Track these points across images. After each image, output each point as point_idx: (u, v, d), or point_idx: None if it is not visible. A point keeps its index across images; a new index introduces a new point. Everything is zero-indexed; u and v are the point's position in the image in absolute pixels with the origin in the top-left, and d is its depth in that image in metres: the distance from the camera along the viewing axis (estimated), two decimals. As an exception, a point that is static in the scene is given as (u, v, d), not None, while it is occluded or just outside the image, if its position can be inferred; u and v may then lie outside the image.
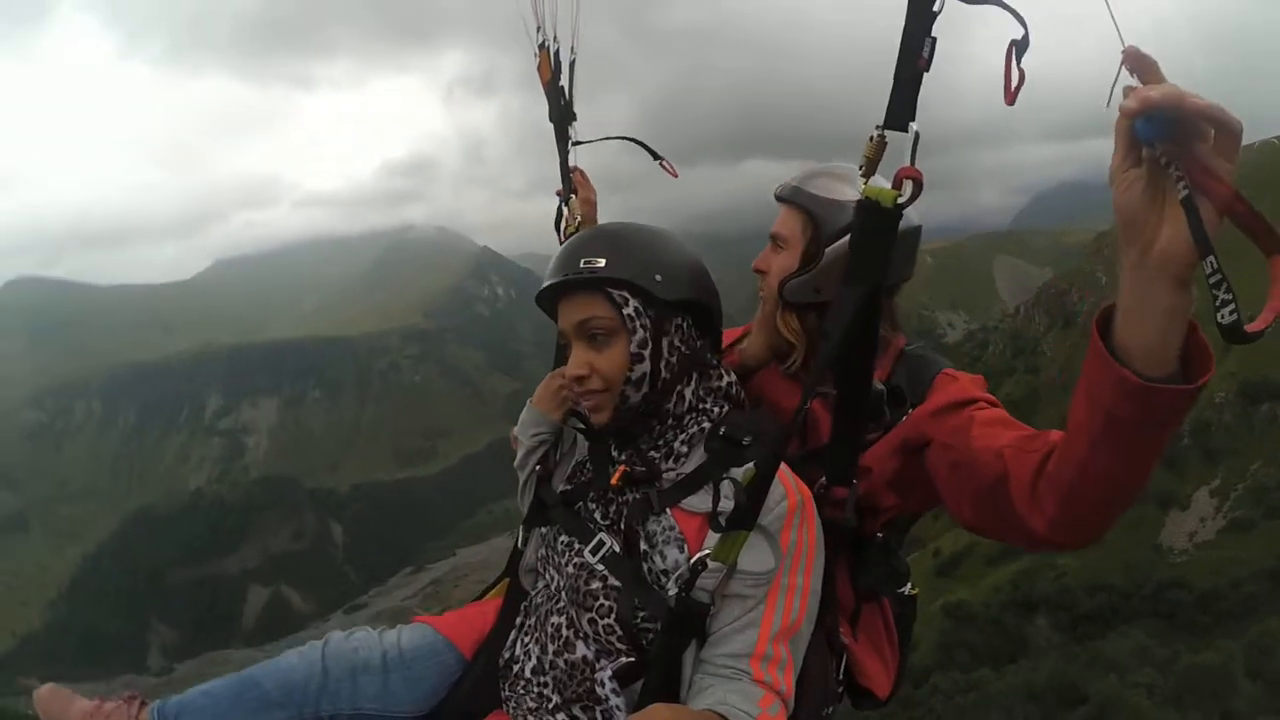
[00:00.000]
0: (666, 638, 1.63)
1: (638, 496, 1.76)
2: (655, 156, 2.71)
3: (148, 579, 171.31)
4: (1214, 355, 1.24)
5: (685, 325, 1.79)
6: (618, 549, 1.74)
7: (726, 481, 1.64)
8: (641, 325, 1.72)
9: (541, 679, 1.82)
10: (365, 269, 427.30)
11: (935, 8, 1.38)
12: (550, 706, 1.78)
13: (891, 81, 1.43)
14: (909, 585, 2.13)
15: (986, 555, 60.76)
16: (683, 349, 1.78)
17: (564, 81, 2.68)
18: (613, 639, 1.70)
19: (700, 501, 1.70)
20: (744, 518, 1.56)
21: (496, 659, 1.97)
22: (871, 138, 1.49)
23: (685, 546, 1.68)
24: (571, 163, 2.78)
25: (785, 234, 2.05)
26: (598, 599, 1.72)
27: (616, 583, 1.71)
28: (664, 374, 1.75)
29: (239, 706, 1.84)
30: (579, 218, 2.69)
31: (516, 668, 1.90)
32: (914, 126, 1.42)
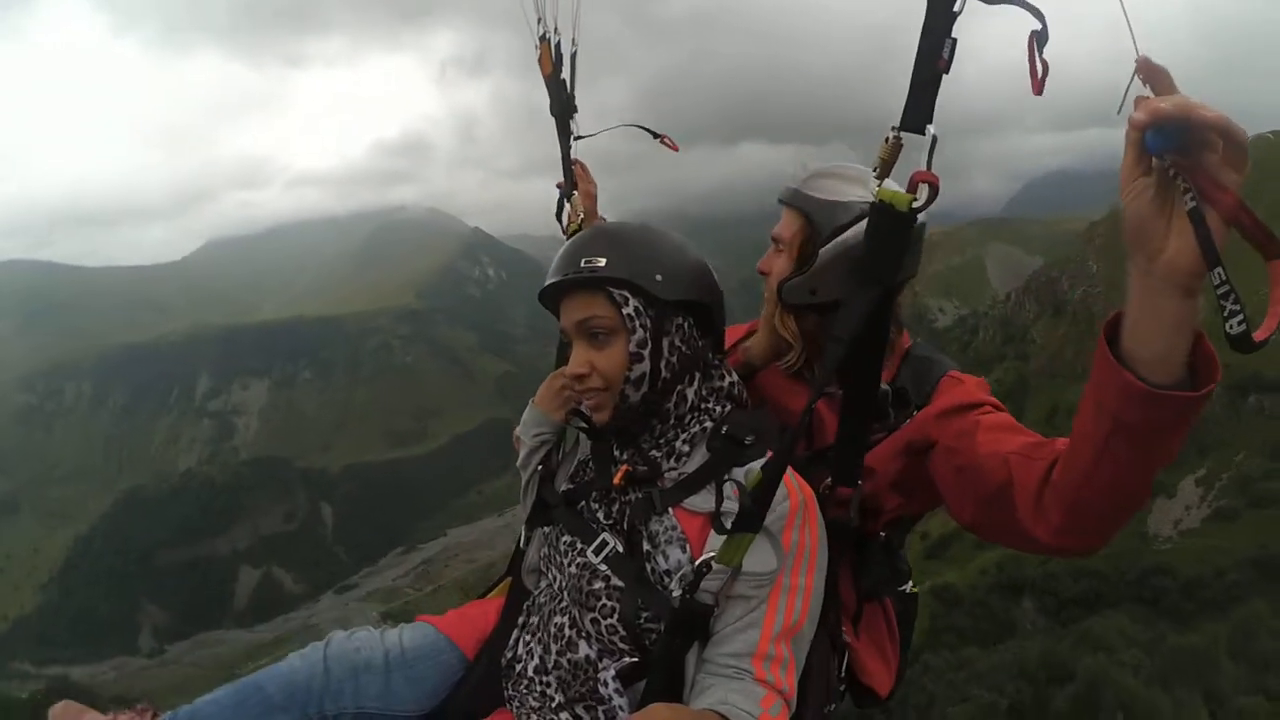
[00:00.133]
0: (670, 638, 1.63)
1: (640, 496, 1.77)
2: (655, 136, 2.71)
3: (139, 560, 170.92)
4: (1220, 363, 1.24)
5: (686, 325, 1.79)
6: (620, 549, 1.74)
7: (731, 481, 1.66)
8: (641, 325, 1.72)
9: (544, 678, 1.81)
10: (356, 249, 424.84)
11: (956, 8, 1.36)
12: (553, 706, 1.78)
13: (909, 79, 1.40)
14: (910, 584, 2.15)
15: (974, 539, 61.11)
16: (683, 349, 1.78)
17: (565, 74, 2.65)
18: (615, 639, 1.71)
19: (703, 501, 1.71)
20: (749, 521, 1.55)
21: (499, 658, 1.96)
22: (887, 139, 1.46)
23: (687, 546, 1.68)
24: (572, 156, 2.79)
25: (784, 236, 2.06)
26: (600, 599, 1.72)
27: (619, 583, 1.71)
28: (664, 373, 1.75)
29: (244, 712, 1.83)
30: (582, 214, 2.70)
31: (519, 667, 1.89)
32: (931, 129, 1.40)
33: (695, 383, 1.82)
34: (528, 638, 1.92)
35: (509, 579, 2.23)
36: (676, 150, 2.73)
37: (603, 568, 1.74)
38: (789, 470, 1.66)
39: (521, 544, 2.14)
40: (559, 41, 2.64)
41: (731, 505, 1.63)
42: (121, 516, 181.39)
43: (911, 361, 2.03)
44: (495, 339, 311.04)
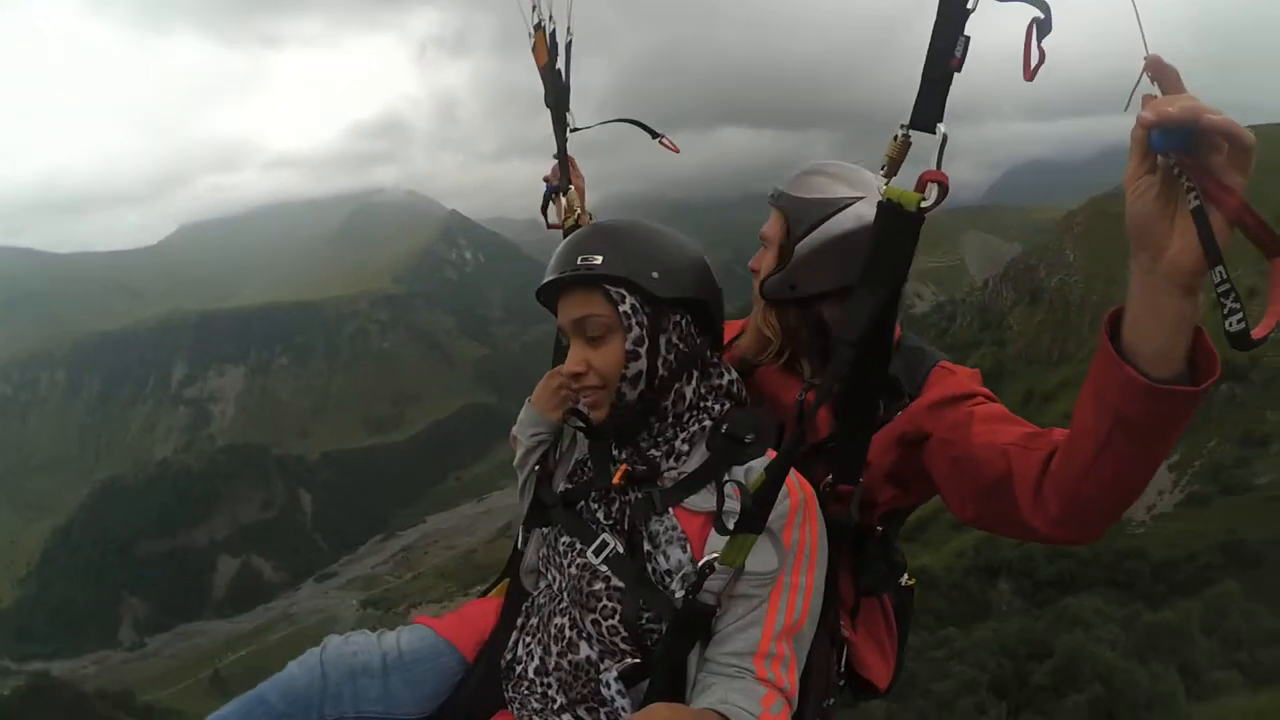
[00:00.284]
0: (672, 639, 1.62)
1: (640, 496, 1.75)
2: (654, 135, 2.65)
3: (117, 552, 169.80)
4: (1219, 359, 1.25)
5: (684, 322, 1.78)
6: (621, 550, 1.73)
7: (732, 481, 1.65)
8: (638, 322, 1.71)
9: (545, 680, 1.81)
10: (334, 232, 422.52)
11: (969, 5, 1.34)
12: (555, 708, 1.77)
13: (919, 76, 1.40)
14: (906, 577, 2.15)
15: (951, 521, 62.02)
16: (681, 346, 1.77)
17: (560, 65, 2.57)
18: (616, 640, 1.70)
19: (703, 501, 1.70)
20: (752, 522, 1.55)
21: (498, 660, 1.95)
22: (896, 137, 1.45)
23: (688, 546, 1.68)
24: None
25: (768, 235, 2.09)
26: (601, 600, 1.71)
27: (620, 583, 1.70)
28: (661, 371, 1.74)
29: None
30: (579, 210, 2.63)
31: (519, 669, 1.88)
32: (941, 128, 1.39)
33: (694, 381, 1.81)
34: (527, 639, 1.91)
35: (507, 580, 2.21)
36: (677, 152, 2.68)
37: (603, 569, 1.73)
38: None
39: (519, 545, 2.12)
40: (554, 30, 2.54)
41: (733, 505, 1.61)
42: (99, 507, 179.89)
43: (903, 352, 2.00)
44: (473, 322, 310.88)
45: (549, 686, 1.80)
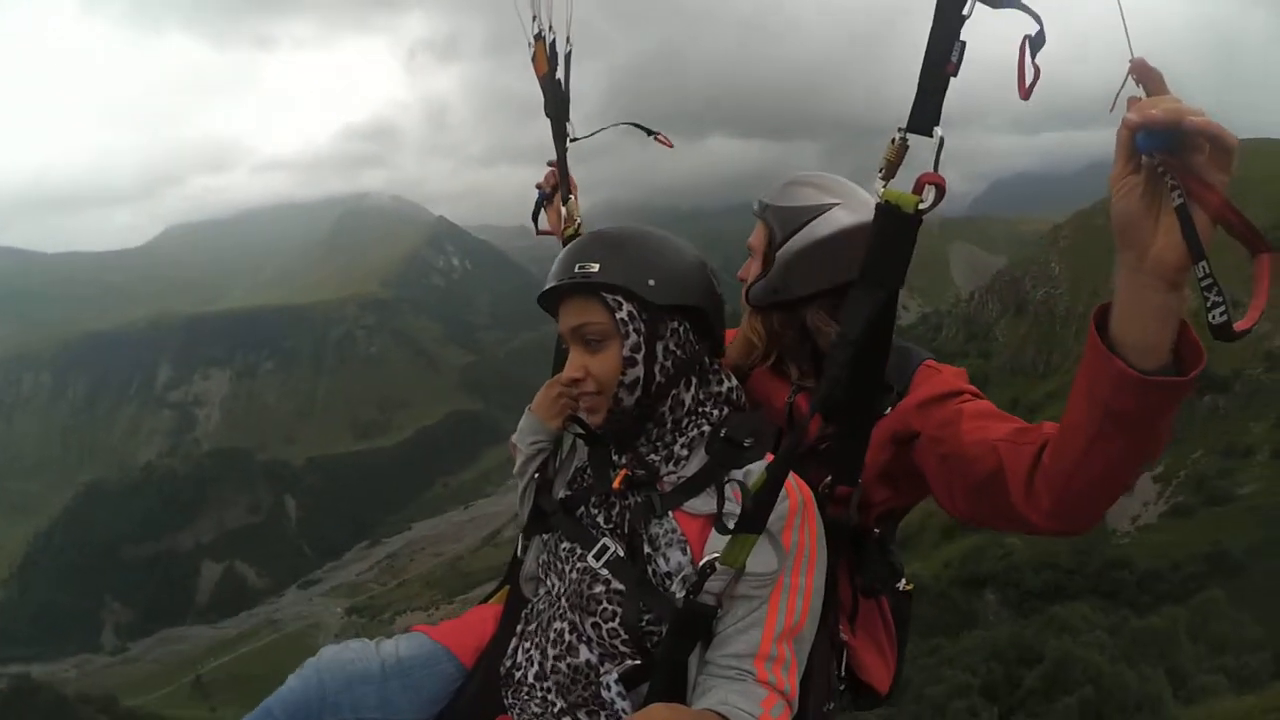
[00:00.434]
0: (673, 640, 1.63)
1: (639, 500, 1.76)
2: (650, 133, 2.66)
3: (101, 555, 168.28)
4: (1204, 350, 1.28)
5: (682, 329, 1.79)
6: (621, 553, 1.74)
7: (732, 483, 1.66)
8: (635, 330, 1.73)
9: (545, 684, 1.81)
10: (322, 236, 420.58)
11: (965, 11, 1.36)
12: (555, 711, 1.77)
13: (917, 83, 1.41)
14: (904, 581, 2.15)
15: (938, 531, 62.54)
16: (678, 353, 1.78)
17: (560, 74, 2.57)
18: (617, 643, 1.71)
19: (702, 504, 1.71)
20: (753, 522, 1.56)
21: (498, 667, 1.95)
22: (894, 140, 1.47)
23: (688, 549, 1.68)
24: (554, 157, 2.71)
25: (753, 244, 2.13)
26: (601, 603, 1.72)
27: (620, 586, 1.71)
28: (659, 378, 1.76)
29: None
30: (579, 220, 2.62)
31: (519, 674, 1.88)
32: (939, 131, 1.41)
33: (693, 387, 1.82)
34: (527, 645, 1.91)
35: (506, 587, 2.21)
36: (671, 146, 2.68)
37: (604, 572, 1.74)
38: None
39: (519, 552, 2.11)
40: (554, 40, 2.54)
41: (732, 507, 1.63)
42: (82, 510, 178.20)
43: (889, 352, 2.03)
44: (460, 329, 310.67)
45: (548, 691, 1.80)
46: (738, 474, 1.68)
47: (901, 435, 1.85)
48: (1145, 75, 1.19)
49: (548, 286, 1.81)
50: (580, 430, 1.94)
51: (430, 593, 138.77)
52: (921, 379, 1.94)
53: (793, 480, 1.66)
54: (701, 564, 1.60)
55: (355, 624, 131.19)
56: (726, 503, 1.66)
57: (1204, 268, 1.16)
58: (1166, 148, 1.16)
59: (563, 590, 1.83)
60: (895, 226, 1.50)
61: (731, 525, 1.58)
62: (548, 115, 2.59)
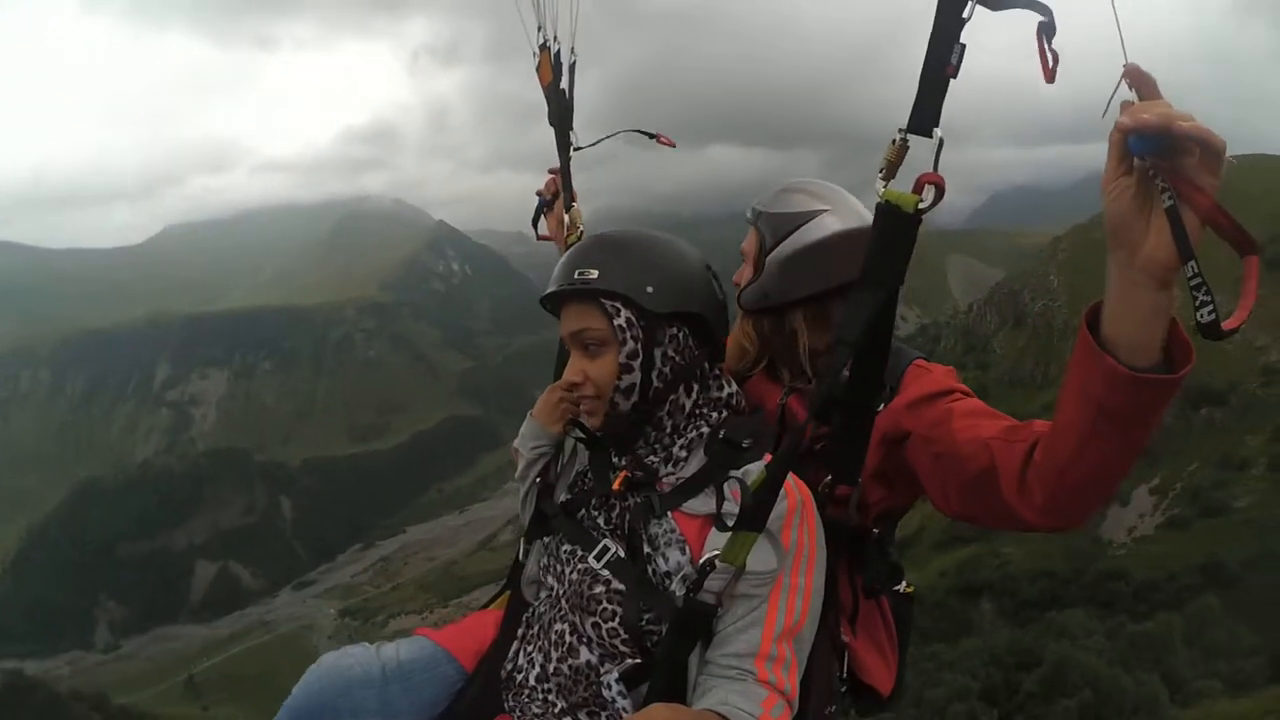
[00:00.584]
0: (673, 639, 1.64)
1: (639, 500, 1.78)
2: (651, 136, 2.69)
3: (95, 552, 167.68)
4: (1194, 348, 1.31)
5: (681, 336, 1.80)
6: (622, 554, 1.75)
7: (732, 481, 1.67)
8: (632, 336, 1.74)
9: (546, 686, 1.82)
10: (322, 238, 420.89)
11: (965, 14, 1.38)
12: (556, 712, 1.78)
13: (918, 84, 1.42)
14: (905, 583, 2.18)
15: (934, 541, 62.80)
16: (676, 359, 1.79)
17: (564, 84, 2.62)
18: (617, 642, 1.71)
19: (701, 504, 1.72)
20: (753, 520, 1.57)
21: (498, 670, 1.96)
22: (894, 141, 1.48)
23: (687, 548, 1.70)
24: (554, 165, 2.75)
25: (746, 249, 2.17)
26: (601, 603, 1.72)
27: (621, 586, 1.72)
28: (656, 383, 1.76)
29: None
30: (581, 227, 2.65)
31: (520, 677, 1.89)
32: (939, 132, 1.42)
33: (693, 393, 1.83)
34: (528, 648, 1.92)
35: (508, 592, 2.22)
36: (674, 146, 2.73)
37: (604, 572, 1.74)
38: None
39: (520, 556, 2.12)
40: (559, 50, 2.58)
41: (731, 506, 1.64)
42: (78, 507, 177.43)
43: None
44: (459, 334, 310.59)
45: (549, 692, 1.81)
46: (736, 474, 1.68)
47: (893, 435, 1.86)
48: (1139, 80, 1.21)
49: (548, 291, 1.82)
50: (581, 434, 1.97)
51: (424, 596, 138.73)
52: (912, 378, 1.94)
53: (791, 480, 1.67)
54: (701, 561, 1.61)
55: (349, 626, 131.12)
56: (725, 502, 1.66)
57: (1193, 267, 1.18)
58: (1157, 151, 1.19)
59: (563, 592, 1.83)
60: (895, 226, 1.51)
61: (731, 524, 1.59)
62: (552, 124, 2.61)
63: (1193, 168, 1.18)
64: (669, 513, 1.74)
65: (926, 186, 1.47)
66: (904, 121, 1.44)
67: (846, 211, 2.03)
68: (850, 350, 1.56)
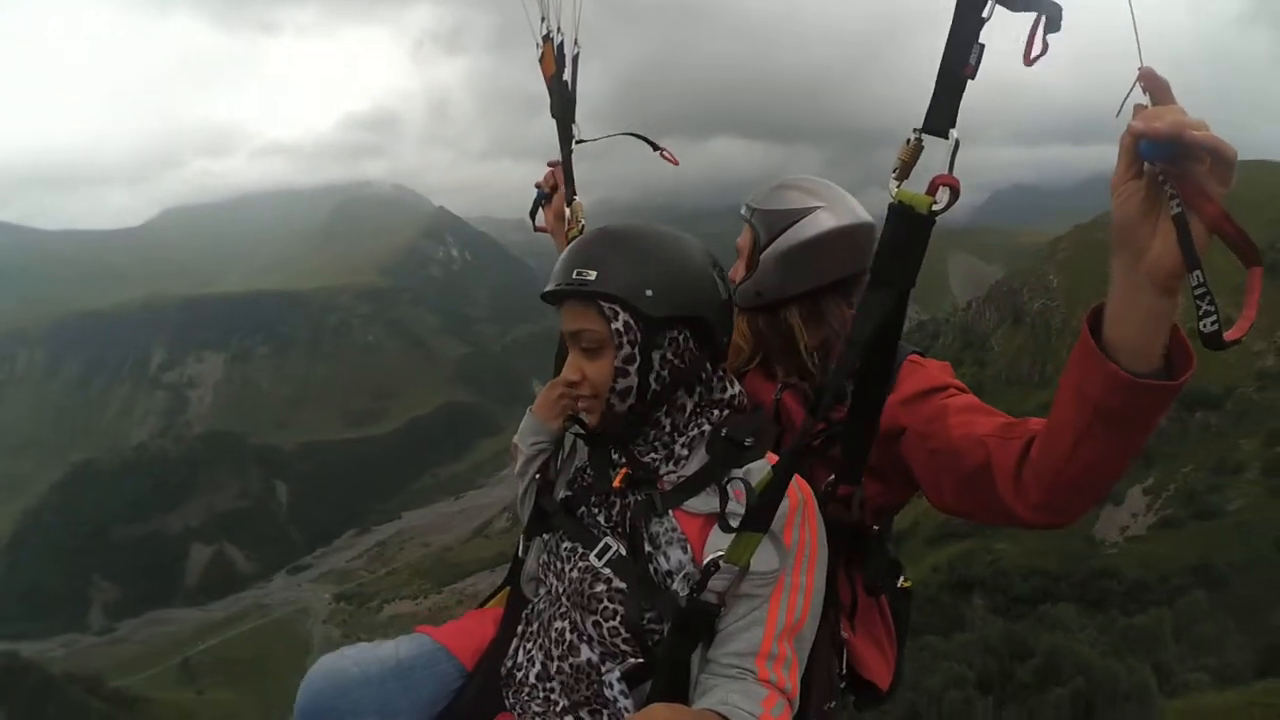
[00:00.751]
0: (674, 639, 1.63)
1: (640, 498, 1.76)
2: (655, 148, 2.66)
3: (90, 535, 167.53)
4: (1195, 355, 1.31)
5: (681, 339, 1.76)
6: (623, 552, 1.74)
7: (736, 481, 1.66)
8: (629, 340, 1.71)
9: (547, 684, 1.81)
10: (321, 223, 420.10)
11: (984, 14, 1.36)
12: (557, 710, 1.78)
13: (934, 84, 1.40)
14: (903, 579, 2.18)
15: (927, 537, 63.22)
16: (676, 362, 1.76)
17: (567, 75, 2.59)
18: (618, 641, 1.70)
19: (702, 503, 1.71)
20: (758, 520, 1.56)
21: (498, 668, 1.96)
22: (909, 140, 1.46)
23: (688, 547, 1.68)
24: (552, 159, 2.74)
25: (741, 246, 2.18)
26: (602, 601, 1.71)
27: (622, 585, 1.71)
28: (654, 386, 1.74)
29: None
30: (582, 222, 2.62)
31: (520, 675, 1.89)
32: (954, 133, 1.40)
33: (694, 394, 1.82)
34: (528, 645, 1.91)
35: (507, 589, 2.21)
36: (676, 164, 2.70)
37: (605, 571, 1.73)
38: None
39: (520, 553, 2.10)
40: (562, 42, 2.56)
41: (735, 506, 1.63)
42: (72, 489, 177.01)
43: None
44: (457, 321, 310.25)
45: (551, 691, 1.80)
46: (738, 473, 1.67)
47: (887, 431, 1.83)
48: (1153, 84, 1.20)
49: (547, 289, 1.79)
50: (581, 430, 1.93)
51: (419, 582, 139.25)
52: (907, 373, 1.93)
53: (793, 479, 1.66)
54: (705, 562, 1.60)
55: (343, 610, 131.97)
56: (729, 502, 1.65)
57: (1198, 277, 1.18)
58: (1168, 157, 1.18)
59: (563, 589, 1.82)
60: (908, 228, 1.49)
61: (735, 524, 1.58)
62: (554, 116, 2.60)
63: (1203, 176, 1.17)
64: (670, 511, 1.72)
65: (941, 188, 1.45)
66: (910, 120, 1.42)
67: (841, 208, 2.02)
68: (861, 350, 1.54)
